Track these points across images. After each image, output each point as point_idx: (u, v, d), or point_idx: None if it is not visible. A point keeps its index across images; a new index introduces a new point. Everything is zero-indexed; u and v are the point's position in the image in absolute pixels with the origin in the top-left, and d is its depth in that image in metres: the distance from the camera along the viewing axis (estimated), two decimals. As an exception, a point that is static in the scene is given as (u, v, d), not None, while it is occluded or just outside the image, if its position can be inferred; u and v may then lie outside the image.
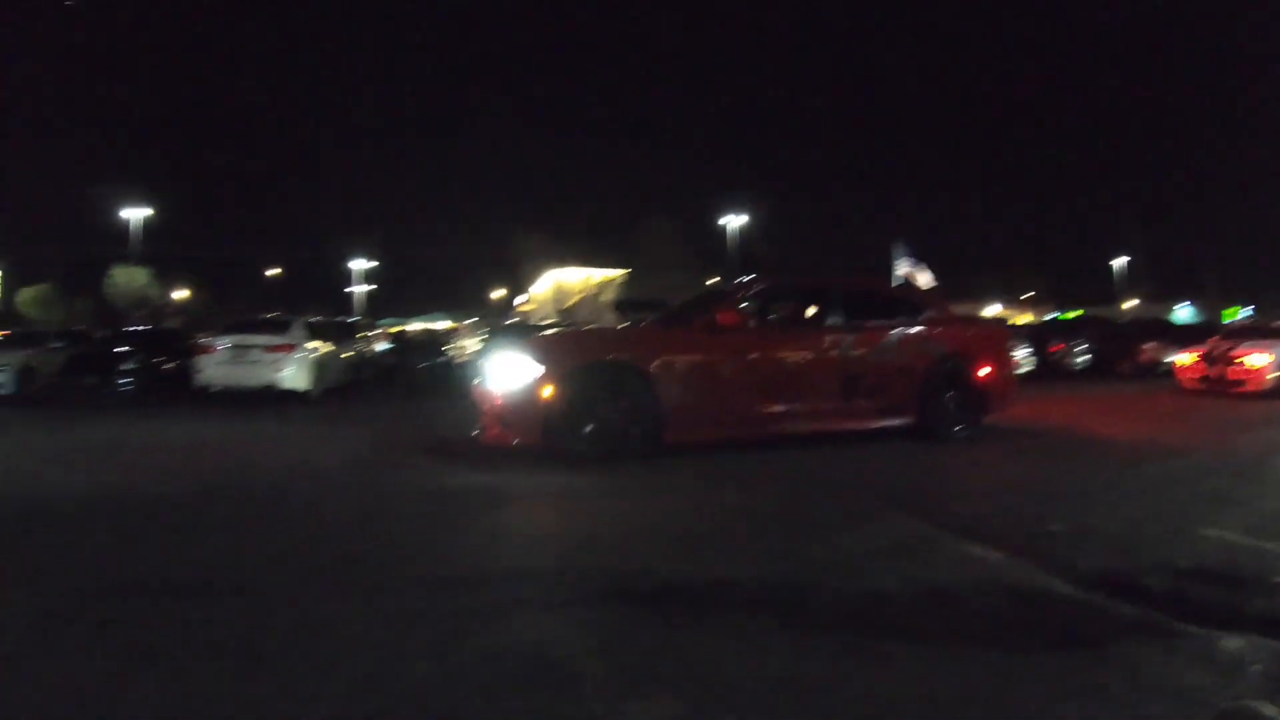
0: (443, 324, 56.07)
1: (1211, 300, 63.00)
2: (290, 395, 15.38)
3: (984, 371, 9.31)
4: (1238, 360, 16.04)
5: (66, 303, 68.56)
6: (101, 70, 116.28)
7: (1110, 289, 68.87)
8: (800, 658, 2.91)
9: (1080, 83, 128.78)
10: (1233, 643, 2.96)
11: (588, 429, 7.58)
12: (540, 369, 7.59)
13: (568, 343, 9.31)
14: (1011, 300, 66.55)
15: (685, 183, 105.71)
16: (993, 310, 59.38)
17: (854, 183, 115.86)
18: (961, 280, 68.51)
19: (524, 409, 7.58)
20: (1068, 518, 5.02)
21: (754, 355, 8.50)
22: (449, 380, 21.12)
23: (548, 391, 7.50)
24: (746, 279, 10.03)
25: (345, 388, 18.24)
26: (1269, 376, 15.63)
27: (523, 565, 4.17)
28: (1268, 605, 3.37)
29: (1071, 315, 38.49)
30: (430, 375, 21.43)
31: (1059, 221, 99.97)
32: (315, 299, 60.22)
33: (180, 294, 72.17)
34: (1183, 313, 58.78)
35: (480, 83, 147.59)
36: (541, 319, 46.93)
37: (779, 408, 8.47)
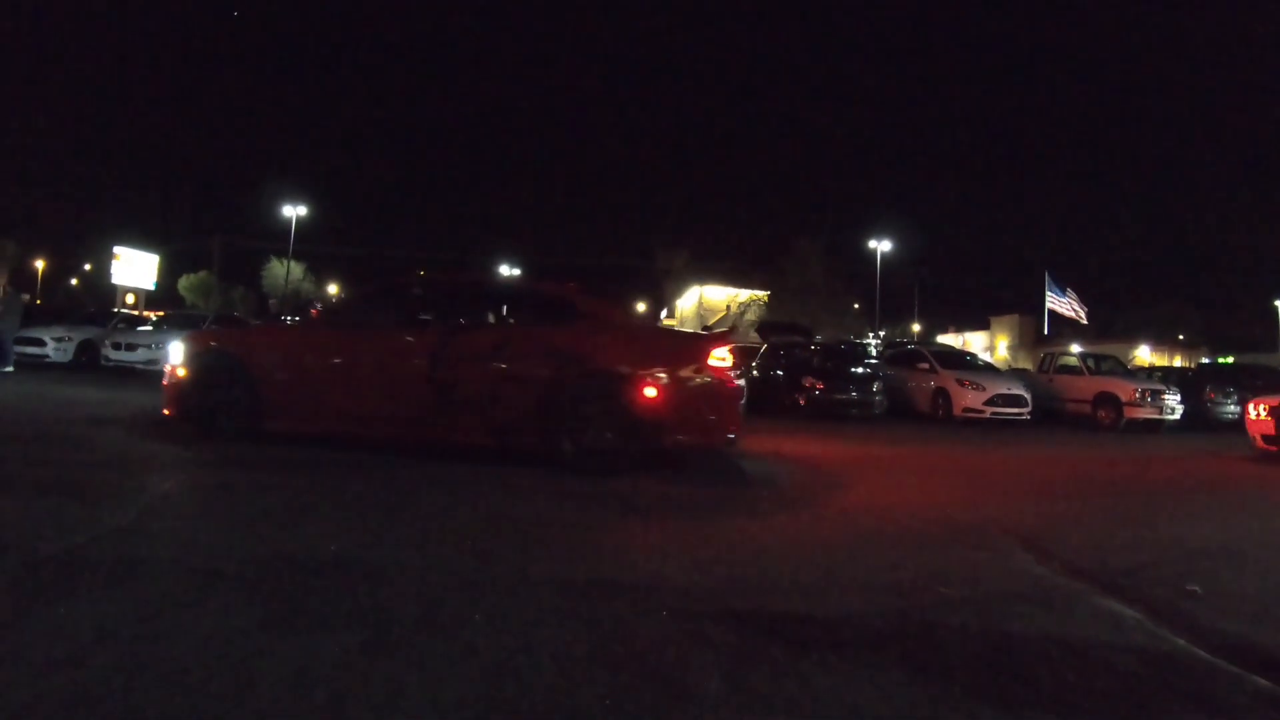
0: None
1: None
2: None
3: (650, 392, 7.74)
4: None
5: (223, 290, 72.06)
6: (266, 75, 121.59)
7: (1271, 333, 65.35)
8: (924, 697, 2.97)
9: (1244, 113, 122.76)
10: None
11: (196, 408, 8.61)
12: (179, 354, 8.84)
13: (201, 333, 10.08)
14: (1163, 341, 63.90)
15: (835, 206, 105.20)
16: (1141, 352, 57.14)
17: (1008, 212, 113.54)
18: (1113, 317, 66.62)
19: (168, 388, 8.86)
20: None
21: (342, 354, 8.55)
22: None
23: (181, 373, 8.69)
24: (382, 279, 10.14)
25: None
26: None
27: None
28: None
29: (1227, 360, 36.97)
30: None
31: (1219, 259, 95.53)
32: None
33: (331, 289, 74.93)
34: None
35: (634, 96, 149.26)
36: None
37: (366, 410, 8.27)
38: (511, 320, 8.87)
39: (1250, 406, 13.66)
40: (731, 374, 8.16)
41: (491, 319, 8.93)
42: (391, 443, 8.33)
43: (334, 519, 5.35)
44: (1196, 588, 4.56)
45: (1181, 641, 3.67)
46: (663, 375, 7.86)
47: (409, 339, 8.44)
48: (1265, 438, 13.13)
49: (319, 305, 8.77)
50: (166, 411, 8.81)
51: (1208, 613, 4.13)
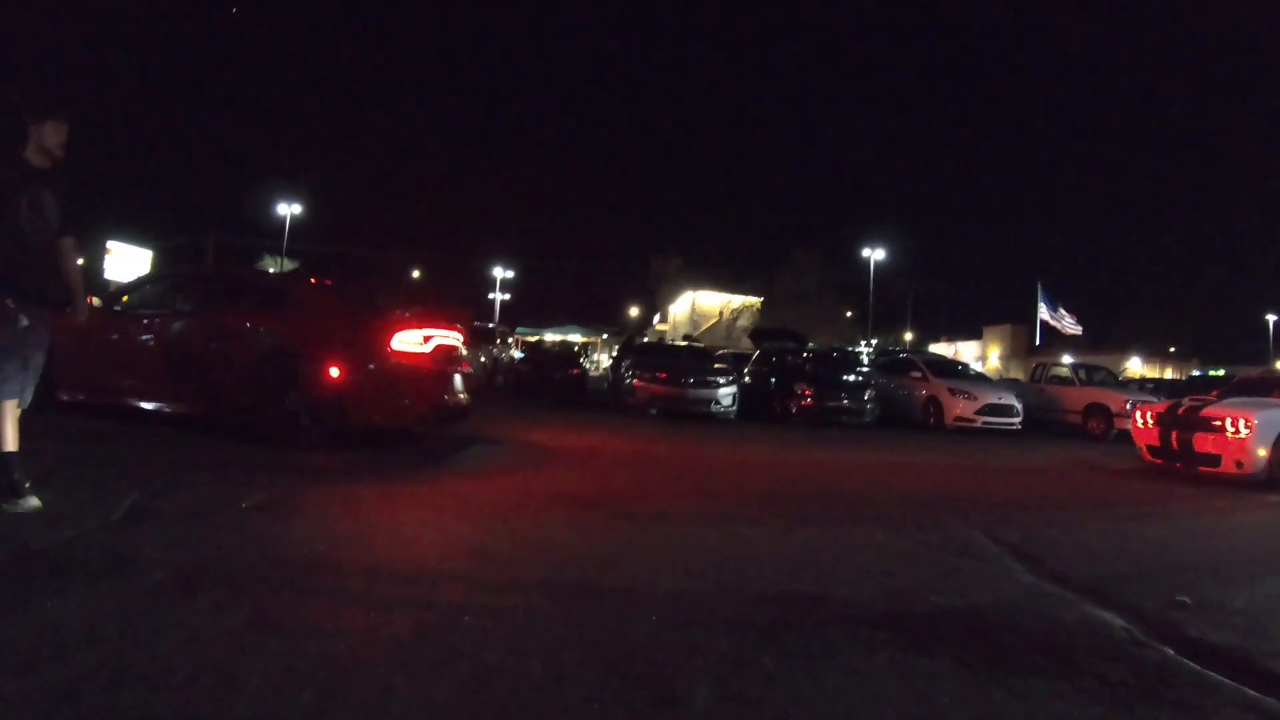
0: (577, 337, 57.02)
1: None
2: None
3: (334, 372, 8.26)
4: (1214, 423, 10.87)
5: (215, 286, 71.76)
6: (261, 71, 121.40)
7: (1263, 346, 65.39)
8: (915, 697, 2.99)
9: (1237, 126, 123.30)
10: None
11: None
12: None
13: None
14: (1155, 353, 64.02)
15: (830, 215, 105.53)
16: (1132, 363, 57.23)
17: (1001, 224, 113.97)
18: (1103, 329, 66.72)
19: None
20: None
21: (108, 336, 9.29)
22: (580, 391, 21.58)
23: None
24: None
25: (479, 392, 18.82)
26: (1257, 453, 10.37)
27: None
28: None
29: (1218, 373, 36.97)
30: (563, 385, 21.90)
31: (1211, 272, 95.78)
32: (455, 302, 61.73)
33: (324, 288, 74.47)
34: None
35: (629, 101, 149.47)
36: (676, 339, 47.31)
37: (126, 384, 9.12)
38: (239, 306, 9.40)
39: (1137, 414, 12.52)
40: (434, 358, 8.85)
41: (195, 302, 9.60)
42: (152, 414, 9.03)
43: None
44: (1186, 598, 4.57)
45: (1171, 651, 3.68)
46: (348, 358, 8.39)
47: (154, 323, 9.30)
48: (1151, 449, 11.99)
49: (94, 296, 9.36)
50: None
51: (1197, 623, 4.14)
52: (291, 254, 62.51)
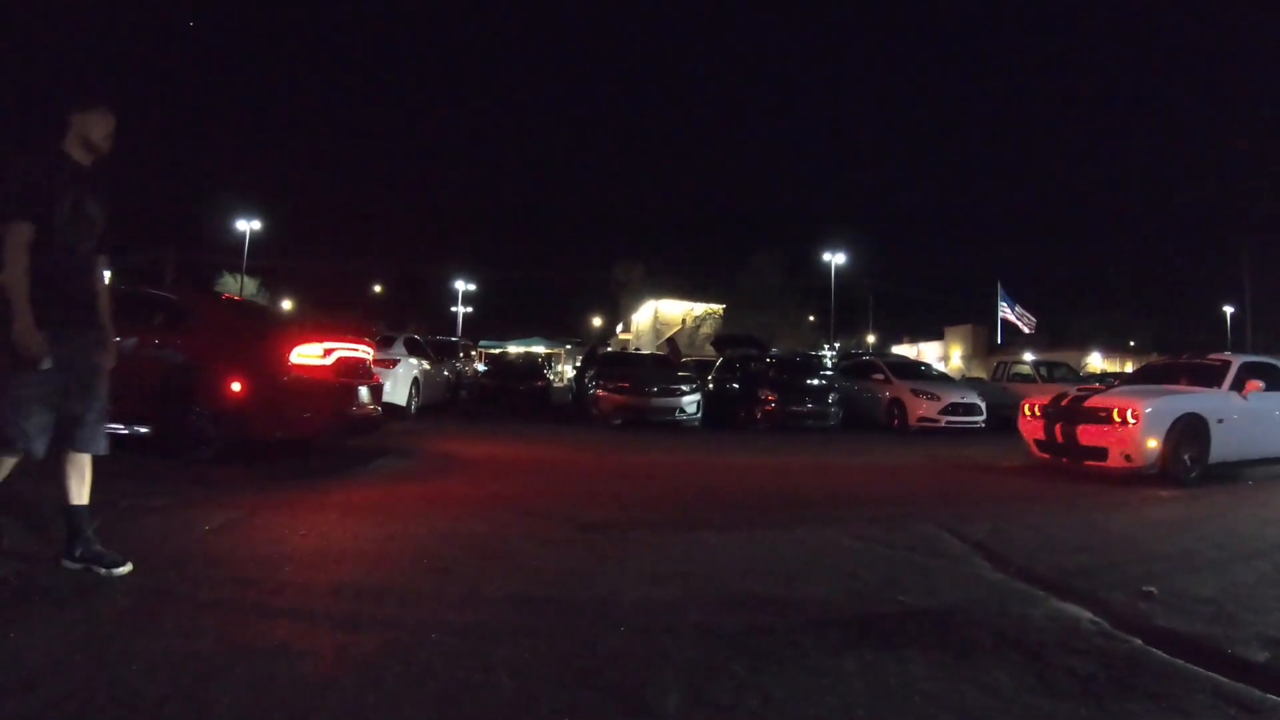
0: (540, 348, 56.91)
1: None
2: (387, 409, 15.32)
3: (235, 386, 8.33)
4: (1100, 414, 10.17)
5: (174, 304, 70.67)
6: (220, 85, 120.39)
7: (1220, 338, 66.17)
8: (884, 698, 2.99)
9: (1191, 122, 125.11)
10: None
11: None
12: None
13: None
14: (1114, 348, 64.66)
15: (790, 221, 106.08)
16: (1093, 359, 57.79)
17: (957, 223, 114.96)
18: (1064, 325, 67.38)
19: None
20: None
21: None
22: (545, 403, 21.55)
23: None
24: None
25: (442, 405, 18.69)
26: (1147, 444, 9.70)
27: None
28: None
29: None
30: (527, 397, 21.84)
31: (1169, 267, 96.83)
32: (417, 317, 61.46)
33: (286, 304, 73.97)
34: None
35: (590, 110, 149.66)
36: (639, 348, 47.15)
37: None
38: (147, 323, 9.23)
39: (1025, 406, 11.66)
40: (336, 370, 8.93)
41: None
42: None
43: None
44: (1153, 589, 4.60)
45: (1139, 642, 3.70)
46: (249, 372, 8.38)
47: None
48: (1038, 443, 11.23)
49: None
50: None
51: (1165, 613, 4.17)
52: (252, 271, 62.03)
